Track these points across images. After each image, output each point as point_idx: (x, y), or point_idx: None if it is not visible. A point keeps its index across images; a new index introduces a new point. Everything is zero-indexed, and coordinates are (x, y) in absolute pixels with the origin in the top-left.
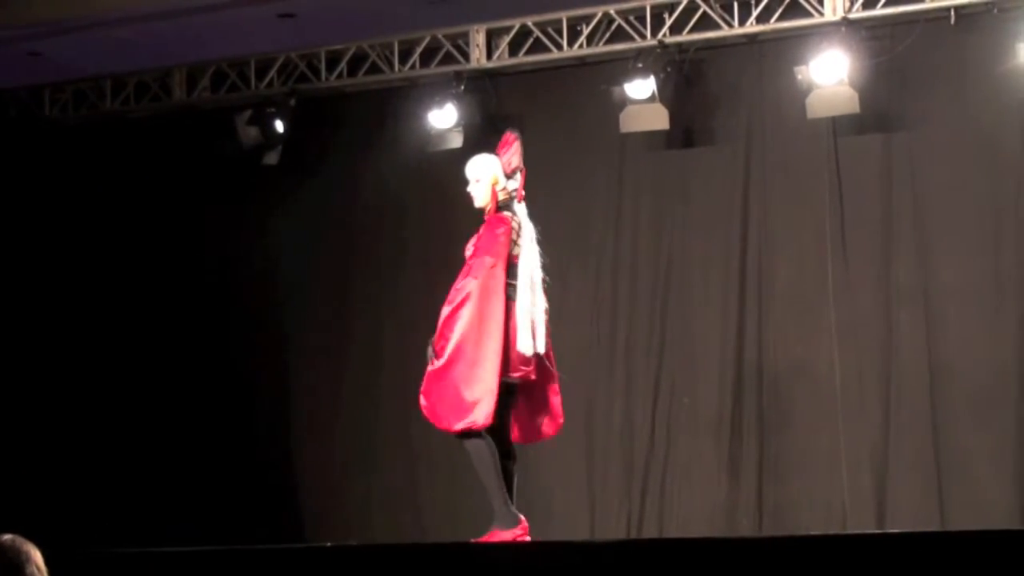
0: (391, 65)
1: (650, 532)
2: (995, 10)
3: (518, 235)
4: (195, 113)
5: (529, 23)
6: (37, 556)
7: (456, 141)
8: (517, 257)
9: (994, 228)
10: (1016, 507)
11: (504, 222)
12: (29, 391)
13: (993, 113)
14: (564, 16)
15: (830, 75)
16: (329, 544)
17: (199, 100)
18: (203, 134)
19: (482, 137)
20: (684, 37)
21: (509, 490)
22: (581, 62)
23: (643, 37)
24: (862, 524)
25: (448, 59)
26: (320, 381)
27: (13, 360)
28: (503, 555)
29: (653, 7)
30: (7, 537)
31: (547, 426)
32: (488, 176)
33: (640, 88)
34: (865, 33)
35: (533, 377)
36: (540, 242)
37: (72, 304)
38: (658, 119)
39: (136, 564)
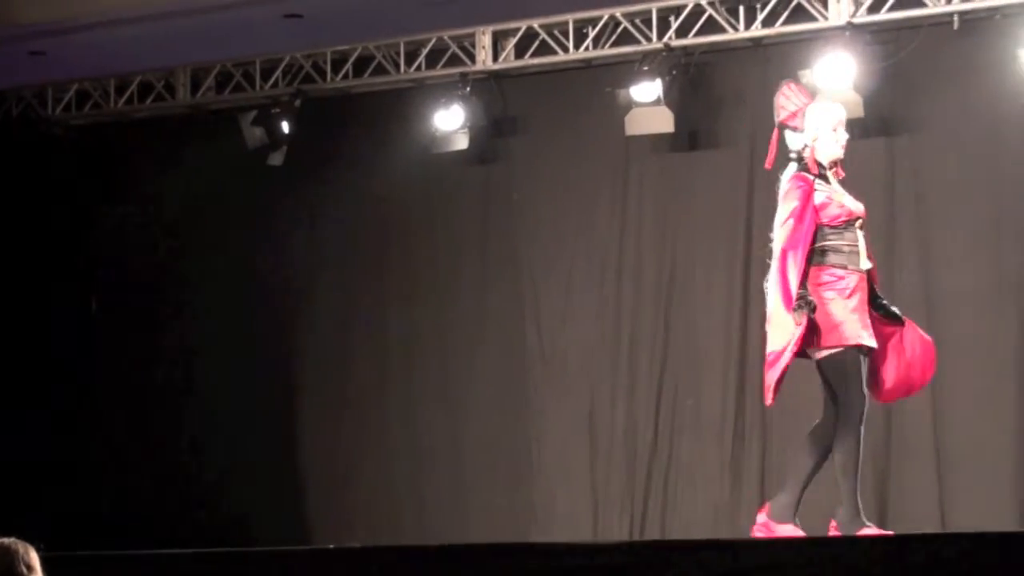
0: (397, 66)
1: (652, 534)
2: (998, 16)
3: None
4: (199, 114)
5: (535, 25)
6: (34, 558)
7: (462, 143)
8: None
9: (996, 232)
10: (1017, 509)
11: None
12: (29, 386)
13: (995, 118)
14: (570, 18)
15: (834, 79)
16: (332, 546)
17: (203, 100)
18: (207, 135)
19: (487, 139)
20: (690, 40)
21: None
22: (587, 64)
23: (649, 40)
24: None
25: (454, 61)
26: (324, 381)
27: (13, 359)
28: (501, 556)
29: (659, 10)
30: (6, 540)
31: None
32: None
33: (645, 91)
34: (869, 38)
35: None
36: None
37: (74, 302)
38: (663, 122)
39: (135, 566)
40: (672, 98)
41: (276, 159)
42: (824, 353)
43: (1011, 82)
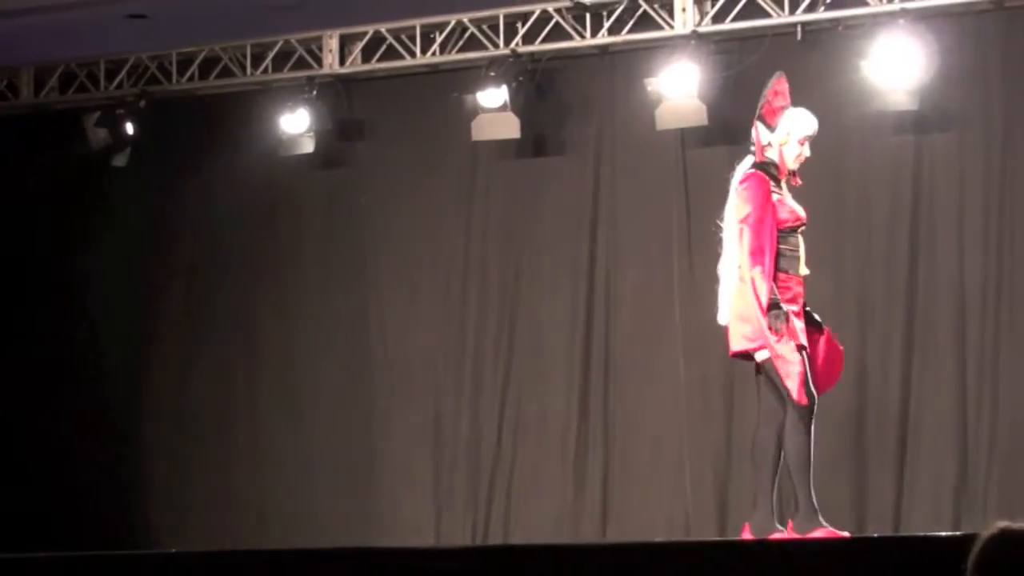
0: (243, 68)
1: (495, 539)
2: (840, 27)
3: None
4: (43, 114)
5: (382, 30)
6: None
7: (308, 146)
8: None
9: (837, 244)
10: (855, 512)
11: None
12: None
13: (838, 128)
14: (417, 24)
15: (679, 87)
16: (174, 551)
17: (47, 100)
18: (51, 135)
19: (334, 143)
20: (536, 47)
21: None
22: (434, 69)
23: (496, 46)
24: (704, 531)
25: (301, 64)
26: (167, 387)
27: None
28: (354, 560)
29: (506, 16)
30: None
31: None
32: None
33: (492, 97)
34: (714, 47)
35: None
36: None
37: None
38: (509, 128)
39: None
40: (518, 104)
41: (120, 160)
42: (768, 355)
43: (853, 92)
